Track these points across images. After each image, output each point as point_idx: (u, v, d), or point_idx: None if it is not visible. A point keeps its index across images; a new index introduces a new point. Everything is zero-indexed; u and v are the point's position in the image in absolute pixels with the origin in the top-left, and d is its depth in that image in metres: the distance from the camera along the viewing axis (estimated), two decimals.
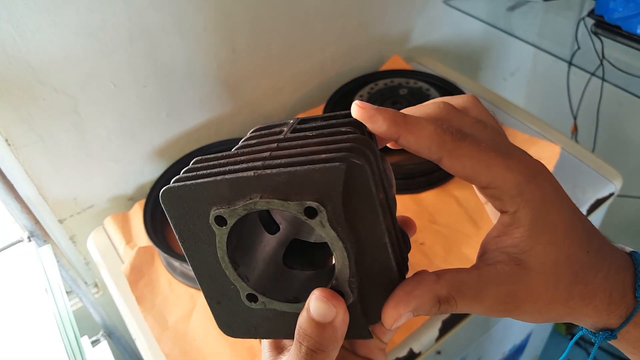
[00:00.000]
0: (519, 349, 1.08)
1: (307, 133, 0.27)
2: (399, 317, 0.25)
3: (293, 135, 0.27)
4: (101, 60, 0.75)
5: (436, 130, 0.25)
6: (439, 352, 0.73)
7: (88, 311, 0.84)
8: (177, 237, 0.27)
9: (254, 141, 0.28)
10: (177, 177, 0.26)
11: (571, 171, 0.85)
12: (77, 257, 0.93)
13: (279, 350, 0.30)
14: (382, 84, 0.95)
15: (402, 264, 0.27)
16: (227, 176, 0.25)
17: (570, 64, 1.07)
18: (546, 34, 1.12)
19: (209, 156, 0.27)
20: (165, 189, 0.26)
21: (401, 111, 0.27)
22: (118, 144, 0.85)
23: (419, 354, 0.67)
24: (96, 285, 0.99)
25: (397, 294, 0.26)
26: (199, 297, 0.73)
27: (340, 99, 0.96)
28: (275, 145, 0.26)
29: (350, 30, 1.03)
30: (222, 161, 0.26)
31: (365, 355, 0.31)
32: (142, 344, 0.70)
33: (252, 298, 0.28)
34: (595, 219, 0.89)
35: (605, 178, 0.84)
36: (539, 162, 0.27)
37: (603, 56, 0.96)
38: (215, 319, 0.30)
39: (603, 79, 0.99)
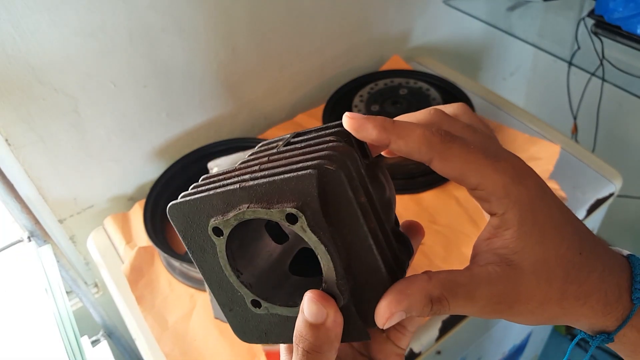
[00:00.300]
0: (519, 349, 1.08)
1: (297, 145, 0.28)
2: (390, 315, 0.26)
3: (284, 148, 0.29)
4: (101, 60, 0.75)
5: (424, 133, 0.26)
6: (439, 352, 0.73)
7: (88, 311, 0.84)
8: (187, 250, 0.29)
9: (252, 157, 0.30)
10: (184, 193, 0.29)
11: (571, 171, 0.85)
12: (77, 257, 0.93)
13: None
14: (382, 84, 0.96)
15: (395, 266, 0.28)
16: (218, 190, 0.27)
17: (570, 64, 1.07)
18: (546, 34, 1.12)
19: (212, 173, 0.30)
20: (170, 206, 0.29)
21: (392, 119, 0.28)
22: (118, 144, 0.85)
23: (419, 354, 0.67)
24: (96, 285, 0.99)
25: (389, 293, 0.26)
26: (199, 297, 0.73)
27: (340, 99, 0.96)
28: (266, 159, 0.28)
29: (350, 30, 1.03)
30: (220, 177, 0.29)
31: None
32: (142, 344, 0.70)
33: (256, 304, 0.29)
34: (595, 219, 0.89)
35: (605, 178, 0.84)
36: (526, 164, 0.27)
37: (603, 56, 0.96)
38: (230, 325, 0.31)
39: (603, 79, 0.99)
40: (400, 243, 0.30)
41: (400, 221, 0.33)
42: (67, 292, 0.74)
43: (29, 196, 0.80)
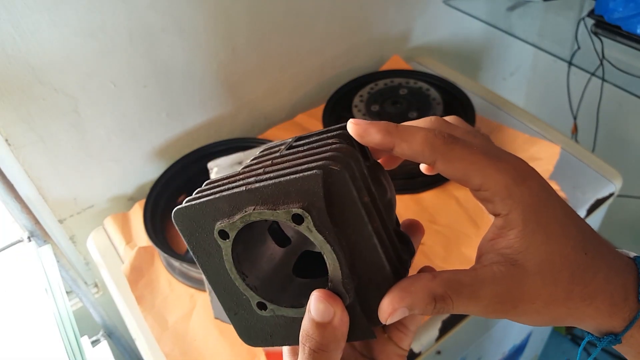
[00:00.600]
0: (519, 349, 1.08)
1: (299, 148, 0.29)
2: (393, 311, 0.26)
3: (287, 152, 0.29)
4: (101, 60, 0.75)
5: (427, 135, 0.27)
6: (439, 352, 0.73)
7: (88, 311, 0.84)
8: (191, 254, 0.30)
9: (255, 161, 0.30)
10: (188, 197, 0.29)
11: (571, 171, 0.85)
12: (77, 257, 0.93)
13: (297, 356, 0.31)
14: (382, 84, 0.95)
15: (399, 266, 0.28)
16: (224, 193, 0.27)
17: (570, 64, 1.07)
18: (546, 34, 1.12)
19: (216, 178, 0.30)
20: (175, 210, 0.29)
21: (396, 123, 0.28)
22: (118, 144, 0.85)
23: (419, 354, 0.67)
24: (96, 285, 0.99)
25: (393, 290, 0.26)
26: (199, 297, 0.73)
27: (340, 99, 0.96)
28: (269, 162, 0.28)
29: (350, 30, 1.03)
30: (225, 181, 0.29)
31: None
32: (142, 344, 0.70)
33: (261, 306, 0.29)
34: (595, 219, 0.89)
35: (605, 178, 0.84)
36: (529, 165, 0.28)
37: (603, 56, 0.96)
38: (235, 329, 0.31)
39: (603, 79, 0.99)
40: (402, 243, 0.30)
41: (400, 221, 0.33)
42: (67, 292, 0.74)
43: (29, 196, 0.80)
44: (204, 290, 0.73)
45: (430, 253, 0.74)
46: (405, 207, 0.80)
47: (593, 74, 1.00)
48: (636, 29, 0.84)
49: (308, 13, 0.94)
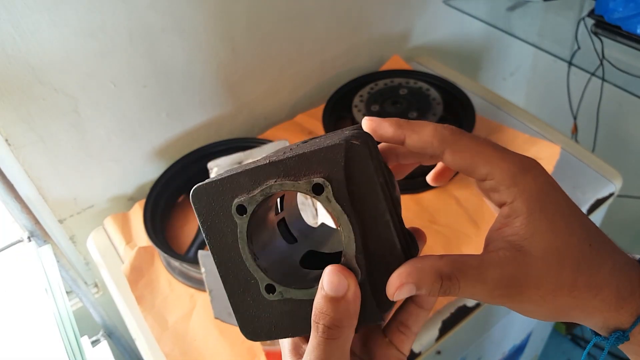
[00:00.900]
0: (519, 349, 1.08)
1: (316, 139, 0.31)
2: (400, 285, 0.26)
3: (304, 141, 0.31)
4: (101, 60, 0.75)
5: (436, 127, 0.28)
6: (439, 352, 0.73)
7: (88, 311, 0.84)
8: (203, 235, 0.30)
9: (272, 152, 0.32)
10: (200, 184, 0.30)
11: (571, 171, 0.85)
12: (77, 257, 0.93)
13: (298, 356, 0.31)
14: (382, 84, 0.95)
15: (407, 248, 0.29)
16: (246, 168, 0.29)
17: (570, 64, 1.07)
18: (546, 34, 1.12)
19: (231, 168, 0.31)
20: (195, 188, 0.29)
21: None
22: (118, 144, 0.85)
23: (419, 354, 0.67)
24: (96, 285, 0.99)
25: (402, 267, 0.27)
26: (199, 297, 0.73)
27: (340, 99, 0.96)
28: (289, 149, 0.30)
29: (350, 30, 1.03)
30: (243, 164, 0.31)
31: None
32: (142, 344, 0.70)
33: (270, 289, 0.30)
34: (595, 219, 0.89)
35: (605, 178, 0.84)
36: (533, 159, 0.28)
37: (603, 56, 0.96)
38: (238, 322, 0.31)
39: (603, 79, 0.99)
40: (409, 240, 0.31)
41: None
42: (67, 292, 0.74)
43: (29, 196, 0.80)
44: (204, 290, 0.73)
45: (430, 253, 0.74)
46: (406, 207, 0.80)
47: (593, 74, 1.00)
48: (636, 29, 0.84)
49: (308, 13, 0.94)
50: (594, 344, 0.29)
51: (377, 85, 0.95)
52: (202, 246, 0.79)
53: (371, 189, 0.27)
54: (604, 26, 0.91)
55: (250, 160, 0.32)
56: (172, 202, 0.86)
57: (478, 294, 0.27)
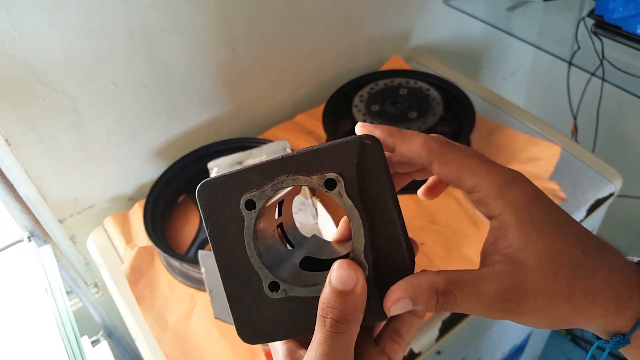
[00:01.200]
0: (519, 349, 1.08)
1: (321, 145, 0.31)
2: (396, 300, 0.27)
3: (309, 147, 0.31)
4: (101, 60, 0.75)
5: (425, 139, 0.29)
6: (439, 352, 0.73)
7: (88, 311, 0.84)
8: (207, 232, 0.30)
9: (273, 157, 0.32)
10: (208, 178, 0.30)
11: (571, 171, 0.85)
12: (77, 257, 0.93)
13: None
14: (382, 84, 0.95)
15: (410, 247, 0.29)
16: (257, 163, 0.29)
17: (570, 64, 1.07)
18: (546, 34, 1.12)
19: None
20: (202, 183, 0.29)
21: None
22: (118, 144, 0.85)
23: (419, 354, 0.67)
24: (96, 285, 0.99)
25: (399, 283, 0.28)
26: (199, 297, 0.73)
27: (340, 99, 0.96)
28: (295, 151, 0.30)
29: (350, 30, 1.03)
30: (249, 165, 0.30)
31: None
32: (142, 344, 0.70)
33: (274, 287, 0.30)
34: (595, 219, 0.89)
35: (605, 178, 0.84)
36: (518, 172, 0.29)
37: (603, 56, 0.96)
38: (235, 324, 0.31)
39: (603, 79, 0.99)
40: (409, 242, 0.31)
41: None
42: (67, 292, 0.74)
43: (29, 196, 0.80)
44: (204, 290, 0.73)
45: (430, 253, 0.74)
46: (405, 207, 0.80)
47: (593, 74, 1.00)
48: (636, 29, 0.84)
49: (308, 13, 0.94)
50: (596, 347, 0.29)
51: (377, 85, 0.95)
52: (202, 246, 0.79)
53: (381, 187, 0.28)
54: (604, 26, 0.91)
55: (250, 161, 0.32)
56: (172, 202, 0.86)
57: (475, 309, 0.27)
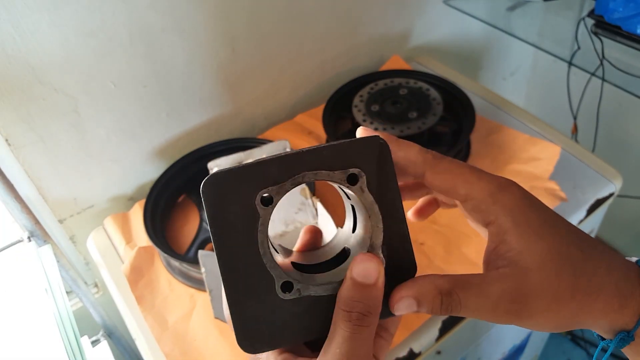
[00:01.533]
0: (519, 349, 1.08)
1: (326, 144, 0.30)
2: (400, 298, 0.28)
3: (301, 150, 0.30)
4: (101, 60, 0.75)
5: (420, 150, 0.30)
6: (439, 352, 0.73)
7: (88, 311, 0.84)
8: (211, 228, 0.28)
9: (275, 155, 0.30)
10: (217, 170, 0.28)
11: (571, 171, 0.85)
12: (77, 257, 0.93)
13: None
14: (382, 84, 0.95)
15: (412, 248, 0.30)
16: (273, 156, 0.28)
17: (570, 64, 1.07)
18: (546, 34, 1.12)
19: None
20: (211, 175, 0.27)
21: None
22: (118, 144, 0.85)
23: (419, 354, 0.67)
24: (96, 285, 0.99)
25: (404, 283, 0.28)
26: (199, 297, 0.73)
27: (340, 99, 0.96)
28: (314, 146, 0.30)
29: (350, 30, 1.03)
30: (258, 159, 0.29)
31: None
32: (142, 344, 0.70)
33: (287, 287, 0.28)
34: (595, 219, 0.89)
35: (605, 178, 0.84)
36: (509, 179, 0.30)
37: (603, 56, 0.96)
38: (235, 331, 0.29)
39: (603, 79, 0.99)
40: None
41: None
42: (67, 292, 0.74)
43: (29, 196, 0.80)
44: (204, 290, 0.73)
45: (430, 253, 0.74)
46: (406, 207, 0.80)
47: (593, 74, 1.00)
48: (636, 29, 0.84)
49: (308, 13, 0.94)
50: (602, 349, 0.30)
51: (377, 85, 0.95)
52: (202, 246, 0.79)
53: (391, 185, 0.29)
54: (604, 26, 0.91)
55: (250, 160, 0.31)
56: (172, 202, 0.86)
57: (481, 310, 0.27)
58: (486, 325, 0.84)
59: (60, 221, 0.86)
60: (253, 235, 0.28)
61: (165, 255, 0.72)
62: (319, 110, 0.94)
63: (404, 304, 0.27)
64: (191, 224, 0.84)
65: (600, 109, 1.22)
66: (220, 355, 0.66)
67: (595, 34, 0.93)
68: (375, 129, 0.86)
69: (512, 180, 0.30)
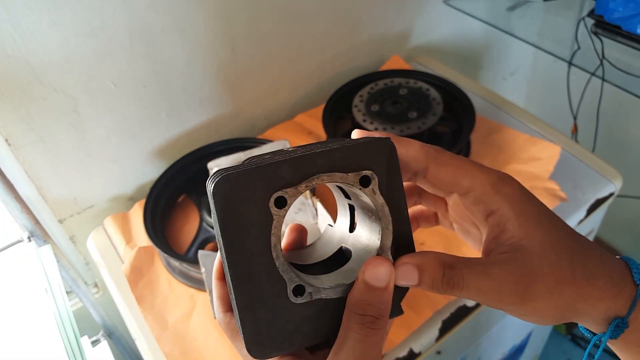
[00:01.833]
0: (519, 349, 1.08)
1: (317, 143, 0.30)
2: (402, 263, 0.28)
3: (303, 146, 0.30)
4: (101, 60, 0.75)
5: (422, 144, 0.31)
6: (439, 352, 0.73)
7: (88, 311, 0.84)
8: (219, 234, 0.27)
9: (279, 150, 0.30)
10: (224, 170, 0.27)
11: (571, 171, 0.85)
12: (77, 257, 0.93)
13: None
14: (382, 84, 0.95)
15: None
16: (288, 157, 0.27)
17: (570, 64, 1.07)
18: (546, 34, 1.12)
19: (252, 156, 0.30)
20: (221, 178, 0.26)
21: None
22: (118, 144, 0.85)
23: (419, 354, 0.67)
24: (96, 285, 0.99)
25: (406, 255, 0.29)
26: (199, 297, 0.73)
27: (340, 99, 0.96)
28: (304, 147, 0.29)
29: (350, 30, 1.03)
30: (267, 157, 0.29)
31: None
32: (142, 344, 0.70)
33: (298, 291, 0.28)
34: (595, 219, 0.89)
35: (605, 178, 0.84)
36: (507, 173, 0.31)
37: (603, 56, 0.96)
38: (245, 336, 0.27)
39: (603, 79, 0.99)
40: None
41: None
42: (67, 292, 0.74)
43: (29, 196, 0.80)
44: (204, 290, 0.73)
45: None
46: None
47: (593, 74, 1.00)
48: (636, 29, 0.84)
49: (308, 13, 0.94)
50: (594, 345, 0.30)
51: (377, 85, 0.95)
52: (202, 246, 0.79)
53: (397, 186, 0.29)
54: (604, 26, 0.91)
55: (250, 158, 0.30)
56: (172, 202, 0.86)
57: (484, 290, 0.27)
58: (486, 325, 0.84)
59: (60, 221, 0.86)
60: (266, 238, 0.27)
61: (165, 255, 0.72)
62: (319, 110, 0.94)
63: (405, 271, 0.28)
64: (191, 224, 0.84)
65: (600, 109, 1.22)
66: (220, 355, 0.66)
67: (595, 33, 0.93)
68: (375, 129, 0.86)
69: (510, 175, 0.31)
